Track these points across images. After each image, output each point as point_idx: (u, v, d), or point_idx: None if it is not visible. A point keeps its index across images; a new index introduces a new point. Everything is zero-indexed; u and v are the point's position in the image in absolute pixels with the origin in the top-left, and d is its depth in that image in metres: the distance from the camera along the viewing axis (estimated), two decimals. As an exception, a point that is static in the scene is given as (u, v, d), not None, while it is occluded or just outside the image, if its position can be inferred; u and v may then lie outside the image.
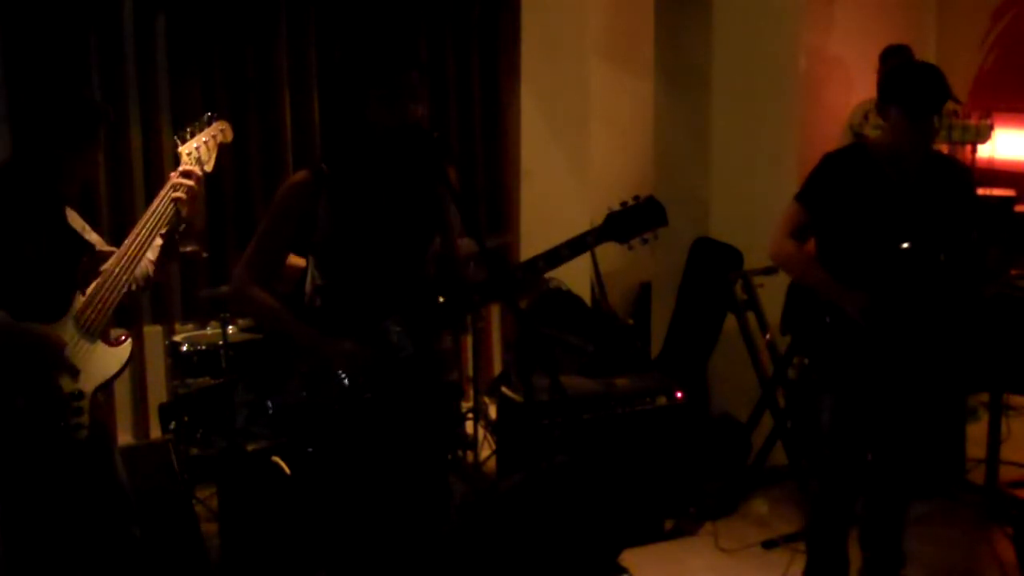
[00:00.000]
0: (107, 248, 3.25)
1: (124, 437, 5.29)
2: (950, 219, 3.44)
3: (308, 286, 2.86)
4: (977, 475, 4.64)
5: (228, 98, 5.36)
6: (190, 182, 3.21)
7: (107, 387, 3.14)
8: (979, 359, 4.33)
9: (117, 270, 3.09)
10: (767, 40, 4.96)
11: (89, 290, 3.09)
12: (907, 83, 3.34)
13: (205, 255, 4.62)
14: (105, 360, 3.08)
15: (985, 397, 4.69)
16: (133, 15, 5.21)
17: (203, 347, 4.57)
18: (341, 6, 5.60)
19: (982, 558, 4.17)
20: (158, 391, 5.32)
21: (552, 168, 6.36)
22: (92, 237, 3.22)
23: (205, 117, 3.45)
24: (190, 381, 4.56)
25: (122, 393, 5.23)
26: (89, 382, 3.03)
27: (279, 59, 5.50)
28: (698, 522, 4.42)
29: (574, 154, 6.44)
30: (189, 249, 3.80)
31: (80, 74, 5.03)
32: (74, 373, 2.99)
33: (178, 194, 3.18)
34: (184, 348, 4.60)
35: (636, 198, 2.75)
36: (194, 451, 4.41)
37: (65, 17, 4.98)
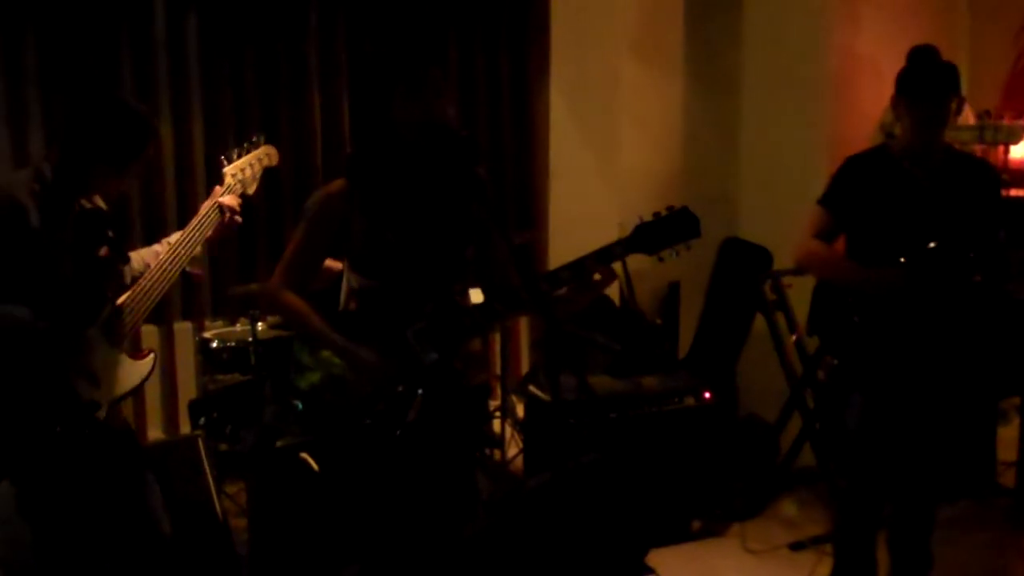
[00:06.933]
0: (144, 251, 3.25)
1: (154, 432, 5.36)
2: (975, 218, 3.42)
3: (344, 289, 2.87)
4: (1008, 478, 4.61)
5: (259, 99, 5.39)
6: (236, 217, 3.31)
7: (123, 400, 3.09)
8: (1011, 362, 4.29)
9: (149, 286, 3.08)
10: (797, 39, 4.94)
11: (120, 301, 3.04)
12: (908, 73, 3.36)
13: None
14: (126, 373, 3.03)
15: (1016, 400, 4.66)
16: (165, 15, 5.25)
17: (233, 344, 4.60)
18: (371, 4, 5.62)
19: (1012, 561, 4.14)
20: (188, 387, 5.36)
21: (581, 165, 6.34)
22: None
23: (253, 139, 3.49)
24: (220, 377, 4.59)
25: (153, 389, 5.29)
26: (107, 394, 2.98)
27: (310, 60, 5.52)
28: (725, 523, 4.41)
29: (603, 152, 6.41)
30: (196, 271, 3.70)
31: (111, 75, 5.06)
32: (93, 381, 2.95)
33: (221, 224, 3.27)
34: (214, 345, 4.63)
35: (670, 208, 2.67)
36: (223, 447, 4.44)
37: (96, 17, 5.03)
